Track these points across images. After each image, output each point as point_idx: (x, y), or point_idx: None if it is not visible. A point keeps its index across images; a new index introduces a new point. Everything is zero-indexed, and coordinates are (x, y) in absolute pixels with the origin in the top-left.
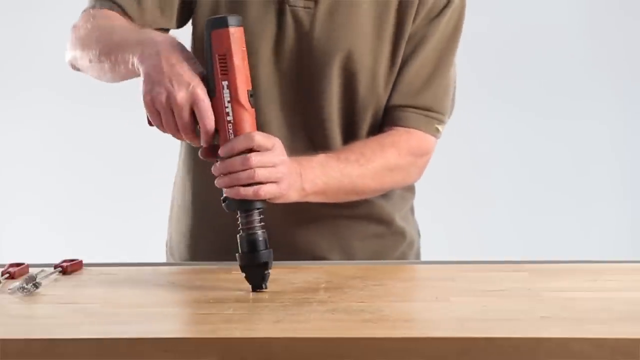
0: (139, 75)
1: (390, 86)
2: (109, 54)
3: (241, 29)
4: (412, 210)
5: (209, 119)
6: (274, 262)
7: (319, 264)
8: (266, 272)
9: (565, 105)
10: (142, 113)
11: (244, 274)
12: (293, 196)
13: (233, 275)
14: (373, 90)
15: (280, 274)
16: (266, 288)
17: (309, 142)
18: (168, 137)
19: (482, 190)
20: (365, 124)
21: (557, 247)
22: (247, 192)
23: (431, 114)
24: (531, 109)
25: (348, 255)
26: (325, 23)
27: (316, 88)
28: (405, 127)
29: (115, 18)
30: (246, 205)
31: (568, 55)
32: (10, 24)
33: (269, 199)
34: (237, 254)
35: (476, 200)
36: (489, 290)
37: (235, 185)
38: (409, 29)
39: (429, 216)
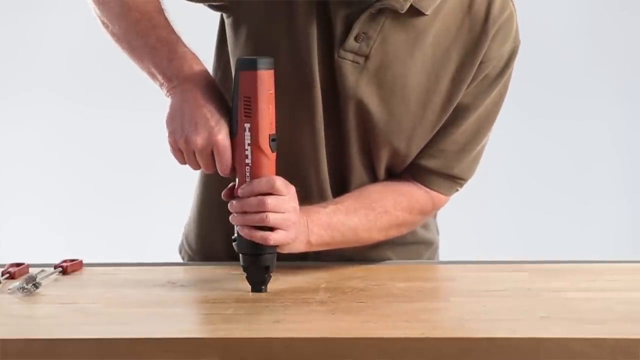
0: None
1: (422, 146)
2: (133, 48)
3: (271, 72)
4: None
5: (226, 165)
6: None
7: (319, 264)
8: (267, 275)
9: (566, 104)
10: (143, 114)
11: (245, 274)
12: (299, 247)
13: (233, 275)
14: (401, 150)
15: (280, 274)
16: (266, 291)
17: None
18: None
19: (482, 190)
20: (384, 163)
21: (557, 247)
22: (256, 235)
23: (457, 180)
24: (531, 108)
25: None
26: (369, 84)
27: (339, 127)
28: (426, 186)
29: None
30: (254, 251)
31: (568, 53)
32: (10, 24)
33: (277, 246)
34: (240, 255)
35: (476, 200)
36: (489, 290)
37: (247, 226)
38: (459, 98)
39: None
